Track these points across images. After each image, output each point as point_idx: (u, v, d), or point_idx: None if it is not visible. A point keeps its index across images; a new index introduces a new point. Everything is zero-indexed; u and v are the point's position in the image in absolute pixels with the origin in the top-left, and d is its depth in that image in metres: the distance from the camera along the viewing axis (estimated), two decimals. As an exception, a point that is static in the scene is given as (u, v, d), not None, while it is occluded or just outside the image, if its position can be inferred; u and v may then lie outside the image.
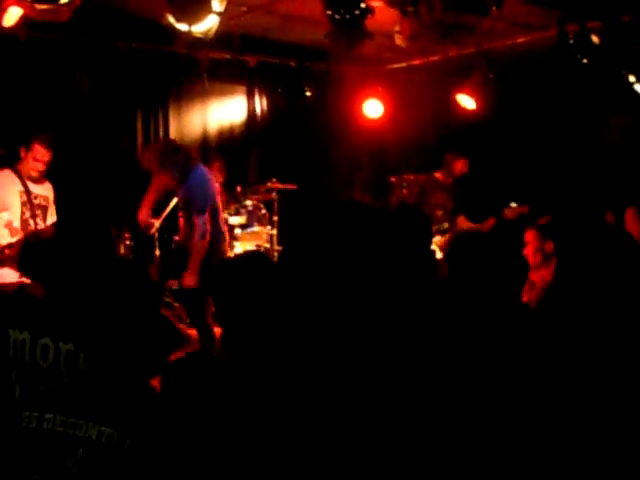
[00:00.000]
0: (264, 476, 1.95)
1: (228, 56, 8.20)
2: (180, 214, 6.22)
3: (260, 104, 9.39)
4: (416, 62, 8.82)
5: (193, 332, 6.08)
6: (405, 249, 2.80)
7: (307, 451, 1.92)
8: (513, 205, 7.17)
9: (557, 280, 2.97)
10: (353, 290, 2.13)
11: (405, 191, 7.97)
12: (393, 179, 8.15)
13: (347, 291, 2.13)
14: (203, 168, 6.03)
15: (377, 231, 2.30)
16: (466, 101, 7.97)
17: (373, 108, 8.64)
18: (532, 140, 8.08)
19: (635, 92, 7.00)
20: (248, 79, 8.92)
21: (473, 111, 7.96)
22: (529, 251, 5.43)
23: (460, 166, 7.51)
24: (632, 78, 6.77)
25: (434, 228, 7.24)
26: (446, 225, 7.39)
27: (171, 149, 5.88)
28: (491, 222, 7.24)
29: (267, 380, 2.01)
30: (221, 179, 7.73)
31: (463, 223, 7.48)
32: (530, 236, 5.49)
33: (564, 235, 5.29)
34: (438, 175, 7.58)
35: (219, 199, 6.19)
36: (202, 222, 5.75)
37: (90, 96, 7.55)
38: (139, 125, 8.42)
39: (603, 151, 7.66)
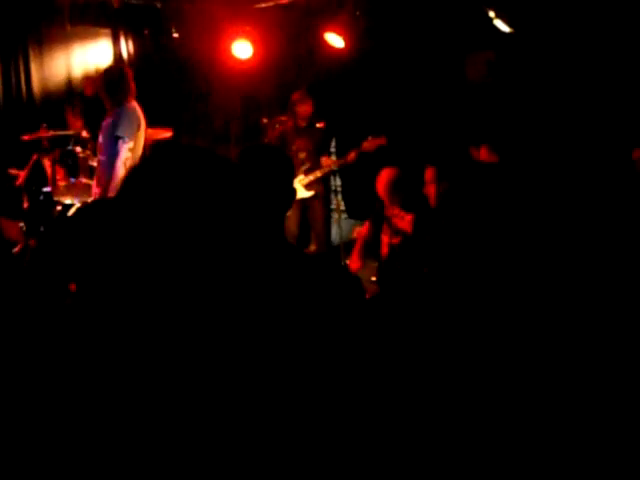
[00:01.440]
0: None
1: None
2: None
3: (126, 47, 9.12)
4: (284, 1, 8.74)
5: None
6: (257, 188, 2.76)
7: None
8: (370, 138, 7.37)
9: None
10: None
11: (277, 133, 7.97)
12: (265, 120, 8.13)
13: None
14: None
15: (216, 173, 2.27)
16: (334, 39, 8.00)
17: (242, 49, 8.52)
18: (397, 76, 8.20)
19: (496, 27, 7.19)
20: (112, 22, 8.64)
21: (342, 49, 8.01)
22: (430, 191, 5.60)
23: (305, 108, 7.57)
24: (492, 13, 6.95)
25: (299, 169, 7.40)
26: (308, 164, 7.52)
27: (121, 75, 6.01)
28: (352, 155, 7.41)
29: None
30: (80, 124, 7.52)
31: (326, 161, 7.63)
32: (429, 175, 5.64)
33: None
34: (288, 124, 7.67)
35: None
36: (126, 149, 5.78)
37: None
38: (-2, 73, 8.06)
39: (465, 88, 7.86)
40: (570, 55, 6.98)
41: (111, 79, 5.95)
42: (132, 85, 5.99)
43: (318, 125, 7.66)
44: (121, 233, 2.02)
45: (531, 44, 7.16)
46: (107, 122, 6.02)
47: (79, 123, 7.45)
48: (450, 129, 7.51)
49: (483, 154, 5.89)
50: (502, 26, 7.05)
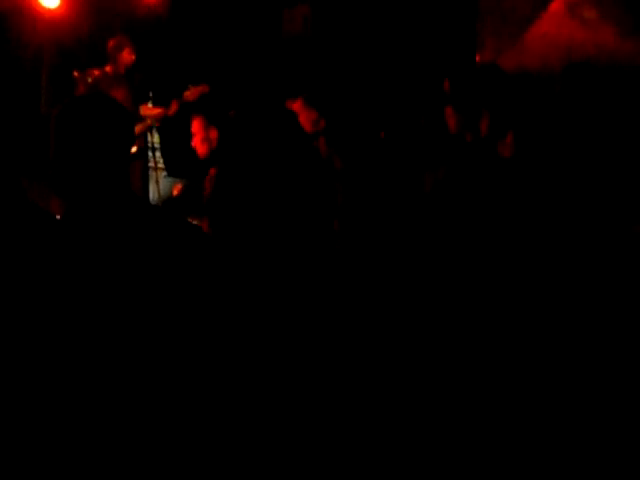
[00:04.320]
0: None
1: None
2: None
3: None
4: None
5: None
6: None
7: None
8: (191, 87, 7.18)
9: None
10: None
11: (90, 84, 7.63)
12: (76, 73, 7.75)
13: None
14: None
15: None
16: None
17: (48, -3, 8.05)
18: (214, 28, 8.05)
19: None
20: None
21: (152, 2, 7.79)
22: (197, 142, 5.44)
23: (126, 55, 7.31)
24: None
25: None
26: None
27: None
28: (174, 106, 7.20)
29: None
30: None
31: (146, 110, 7.38)
32: (196, 126, 5.47)
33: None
34: (108, 69, 7.37)
35: None
36: None
37: None
38: None
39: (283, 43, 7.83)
40: (385, 8, 7.10)
41: None
42: None
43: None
44: None
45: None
46: None
47: None
48: (268, 82, 7.48)
49: (297, 107, 5.87)
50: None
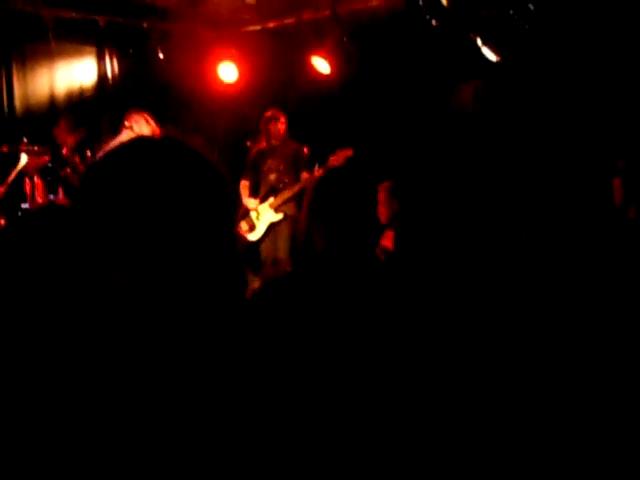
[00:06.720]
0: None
1: (75, 15, 7.85)
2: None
3: (111, 66, 9.01)
4: (271, 25, 8.71)
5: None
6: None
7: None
8: (337, 151, 7.21)
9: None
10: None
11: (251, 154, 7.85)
12: (249, 143, 8.03)
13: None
14: None
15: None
16: (321, 65, 7.95)
17: (228, 72, 8.48)
18: (383, 104, 8.10)
19: (483, 55, 7.16)
20: (98, 40, 8.56)
21: (328, 75, 7.97)
22: (382, 211, 5.55)
23: (275, 127, 7.42)
24: (480, 41, 6.92)
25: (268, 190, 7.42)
26: (281, 185, 7.36)
27: None
28: (319, 171, 7.24)
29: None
30: (72, 139, 7.30)
31: (306, 175, 7.40)
32: (382, 195, 5.60)
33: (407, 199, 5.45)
34: (262, 142, 7.53)
35: None
36: None
37: None
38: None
39: (451, 117, 7.80)
40: (557, 83, 6.97)
41: None
42: None
43: (305, 151, 7.51)
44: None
45: (519, 73, 7.13)
46: None
47: (71, 139, 7.24)
48: (435, 158, 7.46)
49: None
50: (489, 54, 7.02)
